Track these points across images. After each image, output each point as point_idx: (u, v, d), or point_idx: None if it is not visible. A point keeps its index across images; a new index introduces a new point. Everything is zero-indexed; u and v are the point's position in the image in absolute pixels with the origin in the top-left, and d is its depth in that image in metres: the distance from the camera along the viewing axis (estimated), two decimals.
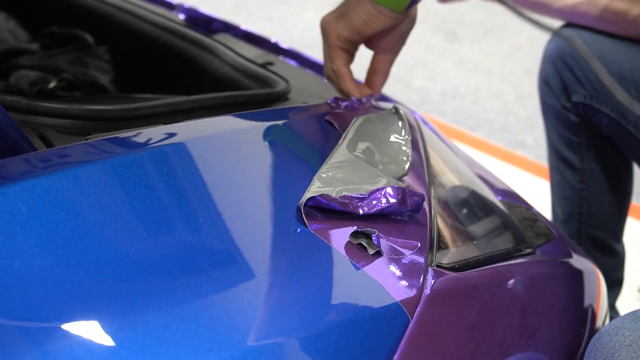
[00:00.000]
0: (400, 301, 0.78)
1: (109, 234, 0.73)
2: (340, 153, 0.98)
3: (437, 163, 1.26)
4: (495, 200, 1.32)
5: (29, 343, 0.63)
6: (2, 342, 0.61)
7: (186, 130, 0.92)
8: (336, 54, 1.21)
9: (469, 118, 3.66)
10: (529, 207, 1.41)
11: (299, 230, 0.83)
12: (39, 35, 1.92)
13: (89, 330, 0.66)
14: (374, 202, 0.88)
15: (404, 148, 1.04)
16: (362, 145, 1.01)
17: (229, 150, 0.92)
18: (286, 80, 1.51)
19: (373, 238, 0.82)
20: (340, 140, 1.02)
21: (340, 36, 1.18)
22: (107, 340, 0.65)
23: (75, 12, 1.94)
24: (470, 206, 1.24)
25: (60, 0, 1.97)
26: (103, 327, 0.66)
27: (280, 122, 1.03)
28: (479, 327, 0.89)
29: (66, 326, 0.65)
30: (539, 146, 3.45)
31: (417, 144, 1.28)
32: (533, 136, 3.54)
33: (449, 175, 1.28)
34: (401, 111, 1.09)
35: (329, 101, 1.19)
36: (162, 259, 0.75)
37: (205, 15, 2.07)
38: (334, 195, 0.86)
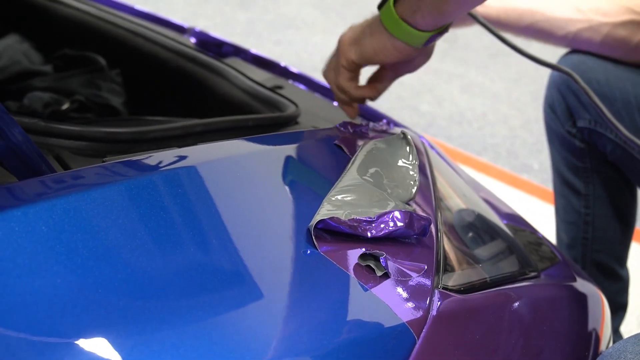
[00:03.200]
0: (407, 322, 0.80)
1: (125, 254, 0.75)
2: (349, 177, 1.00)
3: (443, 187, 1.28)
4: (501, 223, 1.34)
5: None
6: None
7: (199, 154, 0.95)
8: (342, 73, 1.24)
9: (476, 142, 3.68)
10: (533, 231, 1.42)
11: (308, 252, 0.85)
12: (52, 58, 1.95)
13: (104, 348, 0.67)
14: (382, 225, 0.90)
15: (411, 172, 1.06)
16: (370, 170, 1.03)
17: (240, 173, 0.94)
18: (295, 104, 1.53)
19: (381, 260, 0.85)
20: (349, 164, 1.04)
21: (350, 60, 1.21)
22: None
23: (88, 35, 1.96)
24: (476, 229, 1.26)
25: (73, 23, 2.00)
26: (119, 346, 0.68)
27: (290, 146, 1.06)
28: (484, 348, 0.91)
29: (82, 344, 0.67)
30: (544, 171, 3.47)
31: (424, 167, 1.30)
32: (539, 161, 3.55)
33: (455, 199, 1.30)
34: (409, 136, 1.12)
35: (338, 125, 1.21)
36: (175, 279, 0.77)
37: (215, 39, 2.10)
38: (343, 218, 0.89)
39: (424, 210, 1.04)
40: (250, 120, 1.33)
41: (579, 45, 1.67)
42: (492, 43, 4.92)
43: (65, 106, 1.71)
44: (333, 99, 1.80)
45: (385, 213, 0.91)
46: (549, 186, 3.34)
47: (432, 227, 0.99)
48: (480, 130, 3.78)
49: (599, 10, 1.61)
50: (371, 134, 1.23)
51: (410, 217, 0.92)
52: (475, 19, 1.37)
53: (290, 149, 1.05)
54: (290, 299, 0.80)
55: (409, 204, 1.01)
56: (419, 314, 0.83)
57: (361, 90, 1.26)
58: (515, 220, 1.48)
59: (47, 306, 0.68)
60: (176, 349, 0.69)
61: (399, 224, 0.91)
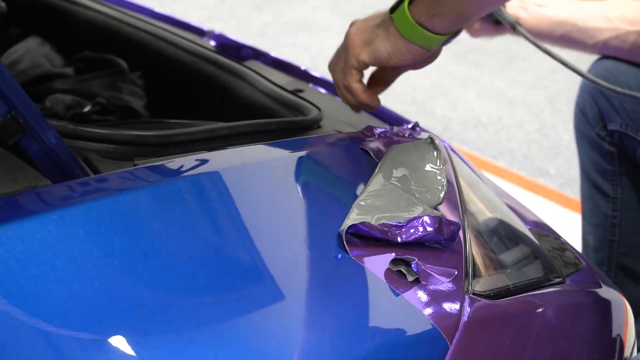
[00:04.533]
0: (439, 327, 0.80)
1: (158, 257, 0.75)
2: (377, 181, 1.00)
3: (467, 192, 1.28)
4: (525, 229, 1.34)
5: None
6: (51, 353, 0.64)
7: (229, 158, 0.95)
8: (351, 73, 1.22)
9: (491, 147, 3.68)
10: (557, 237, 1.42)
11: (340, 256, 0.85)
12: (73, 60, 1.96)
13: (134, 346, 0.68)
14: (412, 230, 0.90)
15: (439, 177, 1.06)
16: (398, 174, 1.03)
17: (269, 178, 0.94)
18: (318, 108, 1.53)
19: (412, 265, 0.85)
20: (377, 169, 1.04)
21: (360, 60, 1.19)
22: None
23: (109, 38, 1.97)
24: (502, 235, 1.25)
25: (94, 25, 2.00)
26: (148, 347, 0.68)
27: (317, 151, 1.06)
28: (513, 354, 0.91)
29: (117, 342, 0.67)
30: (561, 175, 3.46)
31: (449, 173, 1.30)
32: (555, 165, 3.55)
33: (480, 204, 1.30)
34: (436, 141, 1.12)
35: (363, 130, 1.21)
36: (206, 283, 0.77)
37: (235, 42, 2.10)
38: (373, 223, 0.89)
39: (451, 215, 1.03)
40: (274, 124, 1.33)
41: (609, 52, 1.68)
42: (508, 47, 4.92)
43: (87, 109, 1.72)
44: None
45: (415, 218, 0.91)
46: (565, 191, 3.34)
47: (460, 232, 0.99)
48: (496, 135, 3.77)
49: (625, 19, 1.61)
50: (396, 138, 1.23)
51: (439, 222, 0.92)
52: (521, 33, 1.40)
53: (317, 154, 1.05)
54: (322, 304, 0.80)
55: (437, 209, 1.01)
56: (451, 319, 0.83)
57: (366, 95, 1.23)
58: (538, 225, 1.48)
59: (81, 308, 0.68)
60: (205, 352, 0.69)
61: (429, 229, 0.91)
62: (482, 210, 1.29)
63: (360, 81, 1.23)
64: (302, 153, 1.03)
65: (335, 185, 1.01)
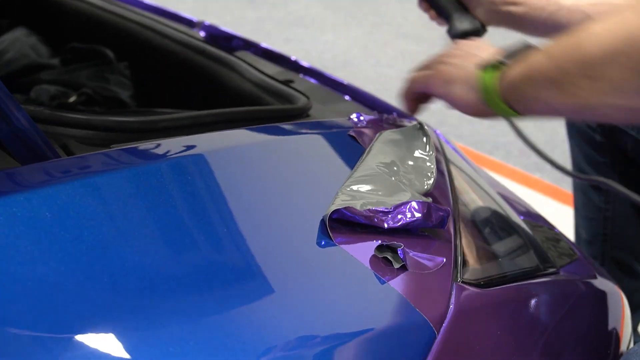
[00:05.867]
0: (427, 316, 0.77)
1: (130, 243, 0.72)
2: (364, 167, 0.97)
3: (459, 181, 1.25)
4: (518, 219, 1.31)
5: (47, 350, 0.62)
6: (22, 347, 0.60)
7: (209, 142, 0.92)
8: (418, 86, 1.14)
9: (487, 141, 3.64)
10: (551, 227, 1.39)
11: (323, 243, 0.82)
12: (60, 51, 1.92)
13: (106, 340, 0.65)
14: (399, 216, 0.87)
15: (428, 164, 1.03)
16: (386, 160, 1.00)
17: (251, 162, 0.91)
18: (307, 97, 1.50)
19: (398, 252, 0.81)
20: (364, 154, 1.01)
21: (433, 94, 1.13)
22: (127, 351, 0.64)
23: (96, 28, 1.94)
24: (494, 224, 1.22)
25: (81, 16, 1.97)
26: (122, 338, 0.65)
27: (303, 136, 1.03)
28: (503, 344, 0.88)
29: (84, 336, 0.64)
30: (556, 170, 3.43)
31: (439, 161, 1.27)
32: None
33: (472, 194, 1.27)
34: (425, 127, 1.08)
35: (351, 117, 1.18)
36: (185, 271, 0.74)
37: (225, 33, 2.07)
38: (358, 208, 0.85)
39: (441, 203, 1.00)
40: (262, 112, 1.30)
41: None
42: (503, 41, 4.88)
43: (72, 99, 1.69)
44: (344, 93, 1.77)
45: (403, 203, 0.88)
46: (561, 185, 3.30)
47: (450, 219, 0.96)
48: (492, 129, 3.73)
49: None
50: (385, 126, 1.20)
51: (428, 208, 0.89)
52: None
53: (303, 139, 1.02)
54: (305, 292, 0.77)
55: (426, 196, 0.98)
56: (439, 308, 0.80)
57: (411, 102, 1.16)
58: (532, 216, 1.45)
59: (51, 295, 0.65)
60: (185, 342, 0.66)
61: (417, 214, 0.88)
62: (474, 199, 1.26)
63: (415, 97, 1.15)
64: (288, 138, 1.00)
65: (321, 171, 0.98)
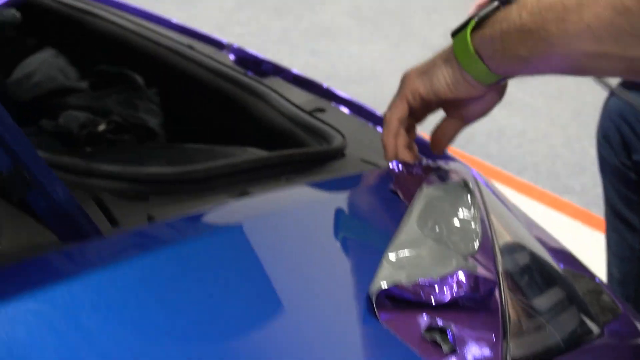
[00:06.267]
0: None
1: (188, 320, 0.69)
2: (407, 229, 0.93)
3: (499, 229, 1.21)
4: (560, 271, 1.27)
5: None
6: None
7: (250, 208, 0.88)
8: (397, 106, 1.12)
9: (514, 161, 3.60)
10: (592, 277, 1.35)
11: (369, 321, 0.78)
12: (88, 74, 1.90)
13: None
14: (446, 289, 0.84)
15: (472, 225, 0.99)
16: (429, 221, 0.96)
17: (294, 229, 0.88)
18: (342, 134, 1.46)
19: (448, 334, 0.78)
20: (407, 215, 0.97)
21: (416, 92, 1.10)
22: None
23: (125, 51, 1.91)
24: (537, 282, 1.18)
25: (110, 38, 1.94)
26: None
27: (344, 194, 0.99)
28: None
29: None
30: (586, 192, 3.39)
31: (482, 219, 1.23)
32: (581, 182, 3.47)
33: (512, 243, 1.23)
34: (470, 185, 1.04)
35: (391, 165, 1.14)
36: (230, 341, 0.71)
37: (255, 57, 2.04)
38: (405, 281, 0.82)
39: (486, 265, 0.96)
40: (297, 155, 1.27)
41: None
42: None
43: (101, 127, 1.66)
44: (377, 124, 1.74)
45: (449, 274, 0.85)
46: (591, 209, 3.25)
47: (497, 289, 0.92)
48: (520, 148, 3.69)
49: None
50: (426, 174, 1.16)
51: (475, 280, 0.86)
52: None
53: (344, 198, 0.99)
54: None
55: (470, 259, 0.94)
56: None
57: (403, 150, 1.14)
58: (572, 263, 1.41)
59: None
60: None
61: (464, 288, 0.84)
62: (515, 249, 1.23)
63: (403, 121, 1.14)
64: (328, 198, 0.97)
65: (364, 234, 0.94)
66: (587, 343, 1.04)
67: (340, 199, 0.98)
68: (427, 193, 1.03)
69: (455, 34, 1.06)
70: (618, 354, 1.09)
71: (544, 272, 1.22)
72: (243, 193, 0.96)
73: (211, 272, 0.75)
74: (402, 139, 1.15)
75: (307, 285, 0.82)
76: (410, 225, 0.95)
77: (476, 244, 0.96)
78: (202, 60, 1.79)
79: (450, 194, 1.04)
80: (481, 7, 1.06)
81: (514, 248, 1.22)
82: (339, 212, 0.95)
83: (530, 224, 1.55)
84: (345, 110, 1.80)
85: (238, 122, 1.69)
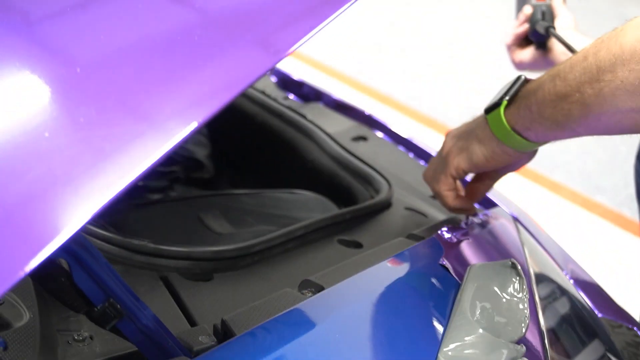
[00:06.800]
0: None
1: None
2: (459, 319, 0.98)
3: (539, 276, 1.27)
4: (599, 324, 1.32)
5: None
6: None
7: (316, 306, 0.94)
8: (444, 181, 1.22)
9: (546, 159, 3.63)
10: (630, 326, 1.40)
11: None
12: None
13: None
14: None
15: (520, 307, 1.04)
16: (480, 306, 1.01)
17: (354, 319, 0.93)
18: (388, 181, 1.51)
19: None
20: (457, 302, 1.02)
21: (459, 169, 1.18)
22: None
23: None
24: (576, 333, 1.23)
25: None
26: None
27: (396, 276, 1.05)
28: None
29: None
30: (618, 193, 3.41)
31: (521, 253, 1.29)
32: (612, 182, 3.49)
33: (552, 298, 1.28)
34: (518, 267, 1.10)
35: (440, 233, 1.20)
36: None
37: (296, 80, 2.08)
38: None
39: (533, 350, 1.02)
40: (348, 214, 1.32)
41: None
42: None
43: None
44: (416, 153, 1.79)
45: None
46: (622, 210, 3.29)
47: None
48: (551, 146, 3.71)
49: None
50: (473, 235, 1.22)
51: None
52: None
53: (396, 280, 1.04)
54: None
55: (519, 343, 0.99)
56: None
57: (458, 201, 1.24)
58: (608, 307, 1.45)
59: None
60: None
61: None
62: (556, 304, 1.28)
63: (453, 189, 1.23)
64: (383, 284, 1.02)
65: (419, 316, 0.99)
66: None
67: (393, 284, 1.03)
68: (475, 271, 1.08)
69: (488, 111, 1.12)
70: None
71: (583, 324, 1.27)
72: (303, 285, 1.02)
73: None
74: (459, 201, 1.25)
75: None
76: (462, 310, 1.00)
77: (524, 328, 1.01)
78: (249, 92, 1.83)
79: (499, 274, 1.09)
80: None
81: (554, 303, 1.27)
82: (392, 297, 1.00)
83: (566, 258, 1.60)
84: (386, 138, 1.85)
85: (284, 158, 1.74)
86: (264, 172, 1.81)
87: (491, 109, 1.12)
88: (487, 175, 1.25)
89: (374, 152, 1.75)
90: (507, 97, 1.10)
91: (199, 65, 0.76)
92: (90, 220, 0.59)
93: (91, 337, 0.91)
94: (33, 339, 0.90)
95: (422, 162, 1.76)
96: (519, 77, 1.12)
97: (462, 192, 1.28)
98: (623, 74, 0.94)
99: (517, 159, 1.15)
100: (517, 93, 1.10)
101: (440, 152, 1.22)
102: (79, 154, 0.65)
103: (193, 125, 0.67)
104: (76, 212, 0.60)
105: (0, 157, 0.63)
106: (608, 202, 3.37)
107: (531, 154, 1.17)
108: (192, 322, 0.98)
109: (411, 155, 1.78)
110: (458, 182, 1.26)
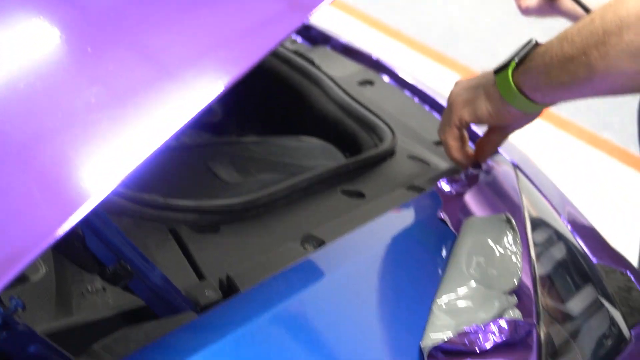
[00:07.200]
0: None
1: None
2: (454, 270, 1.03)
3: (535, 221, 1.31)
4: (595, 270, 1.36)
5: None
6: None
7: (313, 264, 0.99)
8: (449, 131, 1.26)
9: None
10: (623, 271, 1.44)
11: None
12: None
13: None
14: (489, 335, 0.94)
15: (513, 259, 1.09)
16: (474, 260, 1.06)
17: (352, 274, 0.98)
18: (392, 130, 1.54)
19: None
20: (453, 254, 1.07)
21: (463, 120, 1.23)
22: None
23: None
24: (570, 286, 1.28)
25: None
26: None
27: (396, 229, 1.10)
28: None
29: None
30: (625, 129, 3.43)
31: (519, 203, 1.33)
32: (620, 118, 3.51)
33: (547, 244, 1.32)
34: (513, 221, 1.14)
35: (439, 185, 1.24)
36: None
37: (304, 24, 2.10)
38: (454, 334, 0.93)
39: (526, 300, 1.07)
40: (351, 165, 1.36)
41: None
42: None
43: None
44: (422, 98, 1.82)
45: (491, 322, 0.95)
46: (629, 147, 3.31)
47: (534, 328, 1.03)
48: None
49: None
50: (472, 187, 1.26)
51: (514, 325, 0.96)
52: None
53: (395, 235, 1.09)
54: None
55: (511, 294, 1.04)
56: None
57: (460, 154, 1.29)
58: (604, 252, 1.49)
59: None
60: None
61: (505, 333, 0.95)
62: (551, 250, 1.32)
63: (458, 139, 1.27)
64: (381, 239, 1.07)
65: (416, 271, 1.04)
66: (616, 356, 1.15)
67: (392, 237, 1.08)
68: (471, 224, 1.13)
69: (497, 72, 1.16)
70: None
71: (578, 274, 1.32)
72: (305, 239, 1.06)
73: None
74: (462, 155, 1.30)
75: (365, 332, 0.93)
76: (456, 265, 1.05)
77: (517, 280, 1.06)
78: None
79: (494, 228, 1.13)
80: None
81: (550, 249, 1.31)
82: (390, 247, 1.05)
83: (564, 200, 1.64)
84: (392, 83, 1.87)
85: (292, 104, 1.77)
86: (271, 118, 1.84)
87: (500, 69, 1.16)
88: (495, 132, 1.29)
89: (380, 97, 1.77)
90: (516, 59, 1.14)
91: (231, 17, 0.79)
92: (120, 185, 0.63)
93: (104, 289, 0.96)
94: (49, 292, 0.96)
95: (427, 108, 1.79)
96: (529, 41, 1.16)
97: (468, 144, 1.32)
98: (629, 37, 0.98)
99: (521, 119, 1.20)
100: (526, 55, 1.14)
101: (448, 103, 1.27)
102: (107, 119, 0.68)
103: (222, 85, 0.70)
104: (107, 176, 0.63)
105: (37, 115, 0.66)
106: (615, 139, 3.40)
107: (535, 115, 1.21)
108: (200, 275, 1.03)
109: (416, 100, 1.81)
110: (465, 134, 1.30)
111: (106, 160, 0.65)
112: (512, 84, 1.13)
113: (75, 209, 0.60)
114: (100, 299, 0.99)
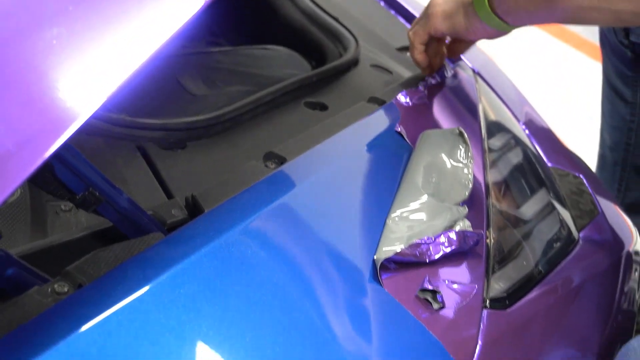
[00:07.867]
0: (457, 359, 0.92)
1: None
2: (408, 185, 1.09)
3: (490, 126, 1.37)
4: (547, 172, 1.42)
5: None
6: None
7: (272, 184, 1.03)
8: (420, 34, 1.37)
9: None
10: (576, 174, 1.50)
11: (370, 282, 0.95)
12: None
13: None
14: (439, 246, 1.01)
15: (465, 172, 1.15)
16: (428, 174, 1.12)
17: (308, 191, 1.03)
18: (355, 38, 1.57)
19: (438, 297, 0.96)
20: (408, 169, 1.12)
21: (439, 30, 1.34)
22: None
23: None
24: (523, 190, 1.34)
25: None
26: None
27: (352, 147, 1.14)
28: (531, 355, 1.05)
29: None
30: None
31: (476, 112, 1.38)
32: None
33: (503, 150, 1.38)
34: (465, 135, 1.19)
35: (397, 98, 1.29)
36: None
37: None
38: (406, 246, 0.99)
39: (477, 206, 1.13)
40: (314, 76, 1.40)
41: None
42: None
43: None
44: (388, 3, 1.84)
45: (441, 233, 1.02)
46: (595, 40, 3.33)
47: (483, 228, 1.09)
48: None
49: None
50: (430, 98, 1.31)
51: (463, 236, 1.03)
52: None
53: (353, 150, 1.14)
54: (345, 330, 0.89)
55: (462, 205, 1.10)
56: (469, 347, 0.95)
57: (421, 56, 1.40)
58: (559, 154, 1.55)
59: None
60: None
61: (454, 244, 1.02)
62: (507, 155, 1.37)
63: (424, 44, 1.38)
64: (340, 155, 1.11)
65: (374, 185, 1.09)
66: (564, 257, 1.22)
67: (351, 153, 1.13)
68: (425, 141, 1.18)
69: None
70: (590, 262, 1.27)
71: (532, 179, 1.38)
72: (267, 157, 1.11)
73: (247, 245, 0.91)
74: (423, 57, 1.40)
75: (320, 247, 0.97)
76: (410, 180, 1.10)
77: (467, 192, 1.12)
78: None
79: (447, 141, 1.19)
80: None
81: (505, 155, 1.37)
82: (349, 162, 1.11)
83: (522, 101, 1.69)
84: None
85: (258, 11, 1.79)
86: (241, 26, 1.86)
87: None
88: (464, 41, 1.42)
89: (346, 1, 1.80)
90: None
91: None
92: (100, 107, 0.65)
93: (77, 207, 1.01)
94: (24, 213, 1.01)
95: (392, 12, 1.82)
96: None
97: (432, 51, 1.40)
98: None
99: (494, 34, 1.31)
100: None
101: (426, 9, 1.36)
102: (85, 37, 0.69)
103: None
104: (87, 100, 0.65)
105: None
106: (582, 33, 3.42)
107: (508, 31, 1.32)
108: (168, 193, 1.08)
109: (382, 3, 1.83)
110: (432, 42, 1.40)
111: (82, 84, 0.66)
112: (488, 6, 1.25)
113: (52, 141, 0.64)
114: (74, 217, 1.05)
